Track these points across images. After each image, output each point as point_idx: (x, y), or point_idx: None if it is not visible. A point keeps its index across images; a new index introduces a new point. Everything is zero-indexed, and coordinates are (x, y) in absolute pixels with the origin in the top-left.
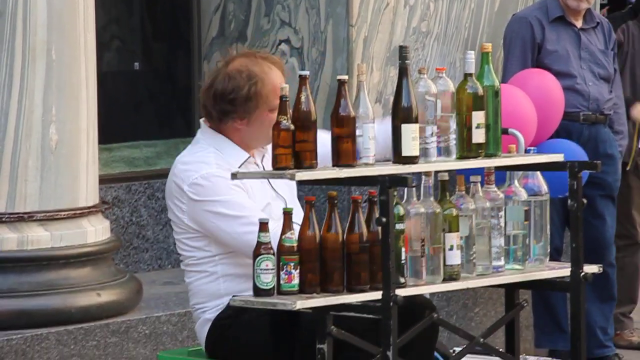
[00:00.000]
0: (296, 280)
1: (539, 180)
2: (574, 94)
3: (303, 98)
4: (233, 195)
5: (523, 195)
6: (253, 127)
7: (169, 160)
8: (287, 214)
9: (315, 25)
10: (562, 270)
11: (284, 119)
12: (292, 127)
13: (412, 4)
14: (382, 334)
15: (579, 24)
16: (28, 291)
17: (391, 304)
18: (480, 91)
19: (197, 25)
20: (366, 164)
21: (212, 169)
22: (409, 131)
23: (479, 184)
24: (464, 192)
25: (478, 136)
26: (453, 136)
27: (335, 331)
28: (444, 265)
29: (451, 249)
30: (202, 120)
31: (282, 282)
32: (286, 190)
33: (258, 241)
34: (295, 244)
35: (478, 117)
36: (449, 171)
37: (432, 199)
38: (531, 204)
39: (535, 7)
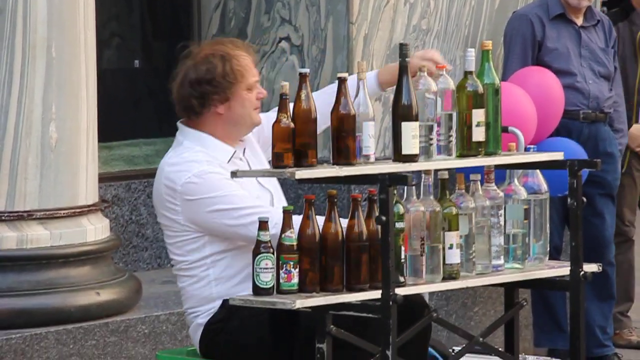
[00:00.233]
0: (295, 279)
1: (538, 178)
2: (574, 92)
3: (303, 96)
4: (229, 188)
5: (523, 193)
6: (234, 109)
7: None
8: (287, 212)
9: (315, 23)
10: (562, 269)
11: (284, 117)
12: (292, 125)
13: (412, 2)
14: (381, 333)
15: (579, 21)
16: (27, 290)
17: (391, 303)
18: (481, 89)
19: (198, 22)
20: (366, 162)
21: (203, 166)
22: (409, 129)
23: (478, 183)
24: (463, 191)
25: (478, 134)
26: (453, 134)
27: (335, 330)
28: (444, 264)
29: (451, 247)
30: (179, 123)
31: (281, 281)
32: (268, 182)
33: (257, 240)
34: (294, 243)
35: (478, 115)
36: (448, 169)
37: (431, 197)
38: (531, 202)
39: (536, 4)
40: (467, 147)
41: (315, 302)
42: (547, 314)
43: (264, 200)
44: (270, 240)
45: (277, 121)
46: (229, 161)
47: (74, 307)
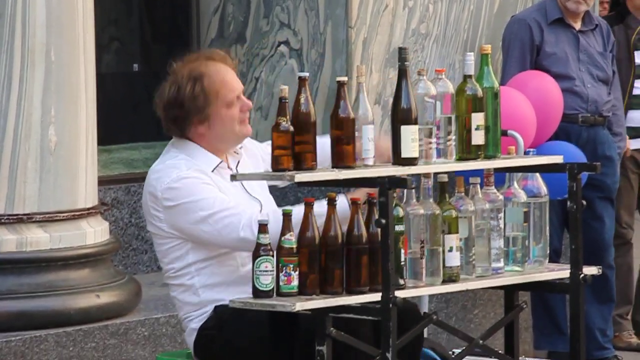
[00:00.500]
0: (295, 282)
1: (538, 181)
2: (573, 96)
3: (302, 99)
4: (204, 193)
5: (522, 196)
6: (215, 128)
7: None
8: (287, 215)
9: (314, 27)
10: (562, 271)
11: (284, 121)
12: (292, 128)
13: (411, 6)
14: (381, 336)
15: (577, 26)
16: (27, 293)
17: (391, 305)
18: (480, 93)
19: (196, 26)
20: (366, 166)
21: (182, 171)
22: (409, 133)
23: (478, 186)
24: (463, 194)
25: (477, 138)
26: (452, 138)
27: (335, 333)
28: (444, 266)
29: (450, 250)
30: None
31: (281, 283)
32: (259, 192)
33: (257, 242)
34: (294, 246)
35: (477, 118)
36: (448, 173)
37: (431, 200)
38: (530, 205)
39: (534, 9)
40: (467, 151)
41: (315, 305)
42: (546, 317)
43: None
44: (269, 243)
45: (277, 125)
46: (213, 170)
47: (74, 309)
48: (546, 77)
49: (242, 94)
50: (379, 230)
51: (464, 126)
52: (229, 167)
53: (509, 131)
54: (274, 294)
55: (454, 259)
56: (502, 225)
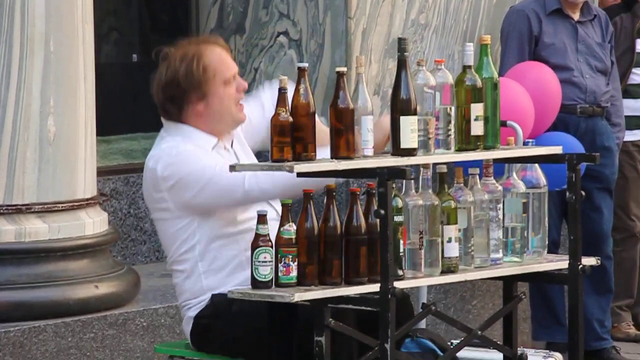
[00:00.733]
0: (294, 273)
1: (537, 172)
2: (571, 86)
3: (302, 90)
4: (200, 161)
5: (521, 187)
6: (213, 106)
7: None
8: (286, 206)
9: (313, 18)
10: (560, 262)
11: (283, 111)
12: (291, 119)
13: None
14: (380, 327)
15: (576, 16)
16: (26, 283)
17: (389, 296)
18: (479, 83)
19: (196, 17)
20: (365, 156)
21: (179, 148)
22: (408, 123)
23: (477, 176)
24: (462, 185)
25: (477, 128)
26: (452, 128)
27: (333, 323)
28: (442, 257)
29: (449, 241)
30: (162, 119)
31: (280, 274)
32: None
33: (256, 233)
34: (293, 236)
35: (477, 109)
36: (447, 163)
37: (430, 191)
38: (529, 196)
39: None
40: (466, 141)
41: (314, 295)
42: (545, 308)
43: None
44: (268, 234)
45: (276, 115)
46: (213, 149)
47: (73, 300)
48: (544, 67)
49: (238, 75)
50: (378, 220)
51: (463, 117)
52: (225, 147)
53: (508, 122)
54: (273, 284)
55: (452, 250)
56: (501, 216)
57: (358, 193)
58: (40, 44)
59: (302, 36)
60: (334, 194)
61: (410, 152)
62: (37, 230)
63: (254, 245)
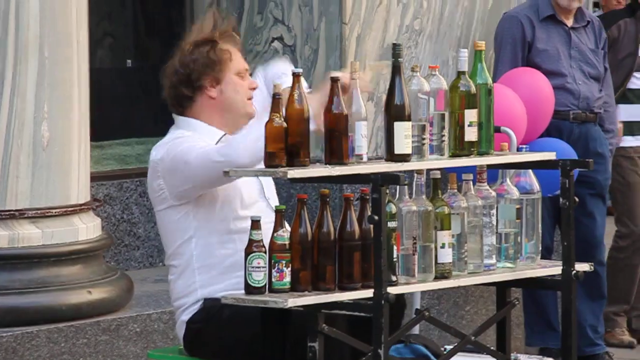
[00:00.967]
0: (288, 278)
1: (531, 178)
2: (564, 92)
3: (296, 95)
4: (186, 143)
5: (515, 193)
6: (226, 93)
7: None
8: (279, 212)
9: (308, 23)
10: (554, 268)
11: (277, 117)
12: (285, 124)
13: (405, 2)
14: (373, 332)
15: (569, 22)
16: (19, 289)
17: (383, 302)
18: (473, 89)
19: (190, 21)
20: (359, 162)
21: (176, 134)
22: (402, 129)
23: (471, 182)
24: (456, 190)
25: (470, 134)
26: (445, 134)
27: (327, 329)
28: (436, 263)
29: (443, 247)
30: (174, 114)
31: (273, 280)
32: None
33: (250, 239)
34: (287, 242)
35: (470, 115)
36: (441, 169)
37: (424, 197)
38: (523, 202)
39: (526, 5)
40: (460, 147)
41: (307, 301)
42: (538, 314)
43: (252, 189)
44: (262, 240)
45: (270, 121)
46: (217, 143)
47: (66, 305)
48: (537, 74)
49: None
50: (371, 226)
51: (457, 122)
52: None
53: (502, 128)
54: (266, 290)
55: (446, 256)
56: (494, 222)
57: (352, 199)
58: (34, 48)
59: (296, 42)
60: (328, 199)
61: (404, 157)
62: (31, 235)
63: (248, 251)
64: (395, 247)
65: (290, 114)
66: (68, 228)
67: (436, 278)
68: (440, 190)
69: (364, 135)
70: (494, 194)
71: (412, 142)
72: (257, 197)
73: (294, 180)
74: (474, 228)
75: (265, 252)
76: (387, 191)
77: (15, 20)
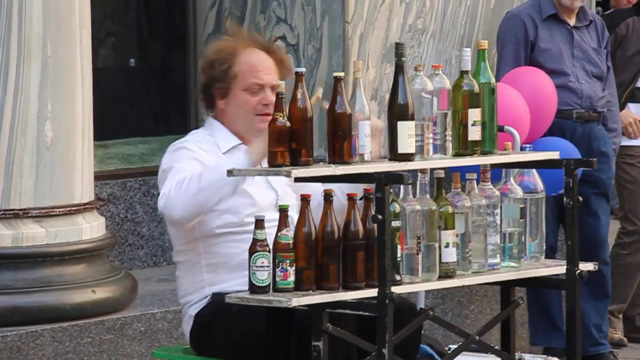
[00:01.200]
0: (292, 278)
1: (534, 177)
2: (567, 91)
3: (299, 95)
4: (185, 164)
5: (519, 192)
6: (230, 107)
7: None
8: (283, 210)
9: (311, 22)
10: (558, 267)
11: (280, 116)
12: (288, 124)
13: (408, 1)
14: (377, 332)
15: (572, 22)
16: (23, 288)
17: (387, 301)
18: (476, 88)
19: (193, 21)
20: (362, 161)
21: (188, 144)
22: (405, 128)
23: (474, 182)
24: (459, 190)
25: (474, 133)
26: (449, 133)
27: (331, 328)
28: (440, 262)
29: (447, 246)
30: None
31: (277, 279)
32: (280, 184)
33: (254, 238)
34: (291, 241)
35: (474, 114)
36: (444, 168)
37: (428, 196)
38: (527, 201)
39: (529, 4)
40: (463, 146)
41: (312, 301)
42: (542, 313)
43: (267, 200)
44: (266, 239)
45: (273, 120)
46: (226, 151)
47: (70, 304)
48: (540, 73)
49: (272, 90)
50: (375, 226)
51: (460, 122)
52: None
53: (505, 127)
54: (271, 289)
55: (450, 255)
56: (498, 221)
57: (356, 198)
58: (37, 48)
59: (299, 41)
60: (332, 199)
61: (408, 157)
62: (35, 234)
63: (252, 250)
64: (399, 247)
65: (293, 114)
66: (72, 227)
67: (440, 277)
68: (444, 190)
69: (367, 135)
70: (497, 193)
71: (416, 141)
72: (269, 208)
73: (298, 179)
74: (478, 227)
75: (269, 252)
76: (391, 190)
77: (19, 19)
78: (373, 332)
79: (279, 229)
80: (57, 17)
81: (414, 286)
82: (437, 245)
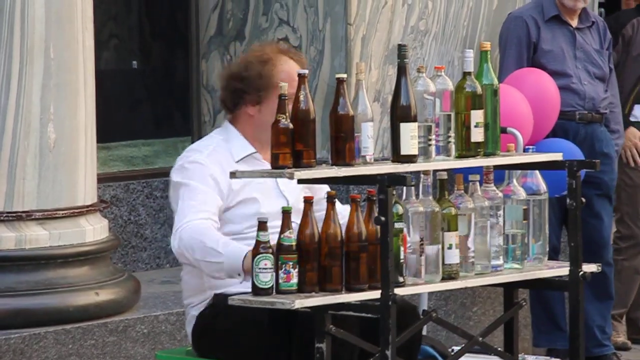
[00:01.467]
0: (295, 280)
1: (537, 179)
2: (570, 93)
3: (302, 97)
4: (200, 183)
5: (522, 194)
6: (264, 113)
7: (167, 159)
8: (286, 212)
9: (313, 24)
10: (561, 269)
11: (283, 118)
12: (291, 125)
13: (410, 3)
14: (380, 333)
15: (574, 23)
16: (26, 290)
17: (390, 303)
18: (479, 90)
19: (196, 23)
20: (365, 163)
21: (201, 156)
22: (408, 130)
23: (477, 183)
24: (462, 191)
25: (477, 135)
26: (452, 135)
27: (334, 330)
28: (443, 264)
29: (450, 248)
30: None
31: (280, 281)
32: (291, 192)
33: (257, 240)
34: (293, 243)
35: (477, 115)
36: (447, 170)
37: (430, 197)
38: (530, 203)
39: (531, 6)
40: (466, 148)
41: (314, 302)
42: (545, 314)
43: (274, 206)
44: (269, 241)
45: (276, 122)
46: (240, 160)
47: (73, 307)
48: (543, 74)
49: None
50: (378, 227)
51: (463, 123)
52: (264, 158)
53: (508, 128)
54: (274, 291)
55: (453, 257)
56: (501, 223)
57: (358, 200)
58: (40, 50)
59: (301, 43)
60: (335, 200)
61: (411, 158)
62: (38, 237)
63: (255, 252)
64: (402, 248)
65: (296, 115)
66: (75, 229)
67: (443, 279)
68: (447, 191)
69: (370, 136)
70: (500, 194)
71: (419, 143)
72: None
73: (301, 181)
74: (481, 229)
75: (272, 254)
76: (394, 192)
77: (21, 22)
78: (376, 334)
79: (282, 231)
80: (60, 19)
81: (417, 288)
82: (440, 246)
